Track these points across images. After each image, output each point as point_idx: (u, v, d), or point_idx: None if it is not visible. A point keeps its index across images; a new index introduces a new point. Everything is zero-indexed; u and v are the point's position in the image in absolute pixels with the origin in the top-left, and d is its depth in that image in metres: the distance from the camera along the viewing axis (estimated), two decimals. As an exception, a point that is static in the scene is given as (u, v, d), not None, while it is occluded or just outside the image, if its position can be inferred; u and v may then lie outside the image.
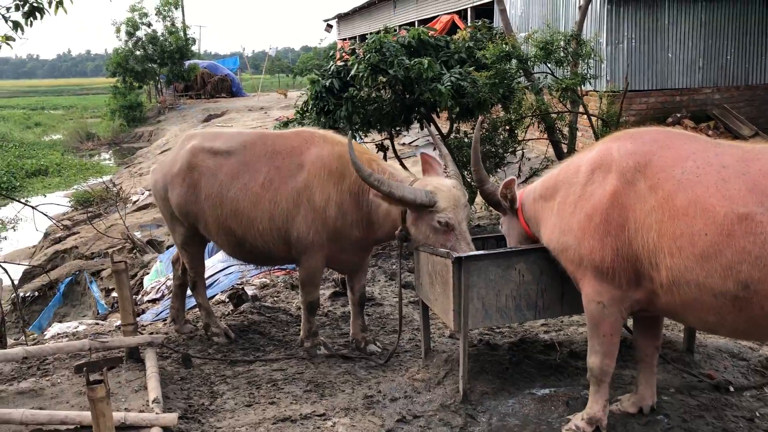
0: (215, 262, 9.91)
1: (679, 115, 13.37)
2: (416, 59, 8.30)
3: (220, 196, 5.31)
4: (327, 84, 8.84)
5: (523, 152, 9.51)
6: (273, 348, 5.81)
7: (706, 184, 3.47)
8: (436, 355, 5.19)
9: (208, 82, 45.85)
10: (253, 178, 5.24)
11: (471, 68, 8.77)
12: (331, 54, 10.67)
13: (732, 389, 4.58)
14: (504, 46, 8.46)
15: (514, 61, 8.52)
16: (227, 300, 7.07)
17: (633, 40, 13.25)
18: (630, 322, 4.54)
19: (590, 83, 10.07)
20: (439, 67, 8.49)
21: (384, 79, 8.16)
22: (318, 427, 4.32)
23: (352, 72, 8.43)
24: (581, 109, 9.11)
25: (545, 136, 9.77)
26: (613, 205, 3.76)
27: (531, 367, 4.97)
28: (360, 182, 4.96)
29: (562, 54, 8.26)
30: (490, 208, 7.06)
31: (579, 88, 8.67)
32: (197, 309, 6.67)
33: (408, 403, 4.60)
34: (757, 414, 4.33)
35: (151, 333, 6.06)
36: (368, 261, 6.25)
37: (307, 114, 9.57)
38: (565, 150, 10.39)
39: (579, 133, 10.21)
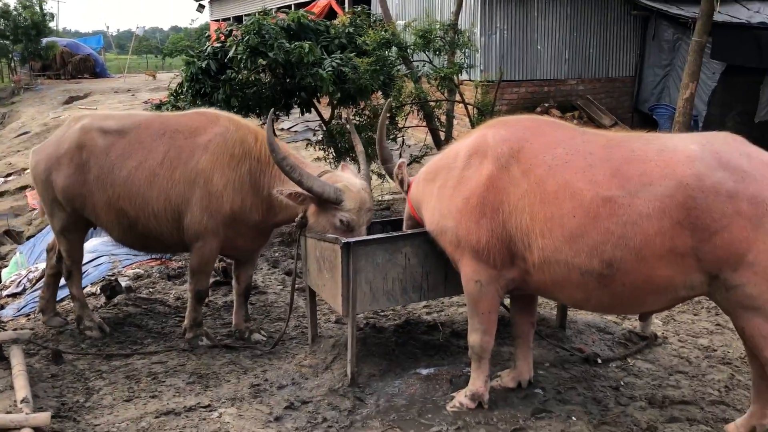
0: (84, 251, 9.38)
1: (547, 104, 14.08)
2: (297, 43, 8.20)
3: (112, 176, 5.05)
4: (203, 65, 8.54)
5: (403, 139, 9.66)
6: (151, 341, 5.59)
7: (574, 169, 3.70)
8: (323, 341, 5.20)
9: (69, 61, 42.89)
10: (150, 157, 5.01)
11: (352, 54, 8.78)
12: (206, 35, 10.34)
13: (600, 361, 4.93)
14: (384, 33, 8.53)
15: (394, 49, 8.60)
16: (99, 292, 6.70)
17: (505, 32, 13.78)
18: (507, 302, 4.75)
19: (466, 73, 10.37)
20: (320, 51, 8.44)
21: (264, 62, 8.00)
22: (203, 419, 4.21)
23: (230, 54, 8.20)
24: (458, 98, 9.36)
25: (424, 123, 9.97)
26: (489, 188, 3.92)
27: (416, 348, 5.09)
28: (260, 166, 4.90)
29: (440, 43, 8.44)
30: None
31: (456, 77, 8.91)
32: (68, 301, 6.32)
33: (296, 389, 4.58)
34: (622, 383, 4.68)
35: (15, 329, 5.65)
36: (260, 251, 6.16)
37: (182, 96, 9.20)
38: (443, 137, 10.68)
39: (455, 121, 10.53)
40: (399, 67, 8.98)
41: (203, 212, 4.96)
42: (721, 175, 3.43)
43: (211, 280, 6.91)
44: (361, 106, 9.37)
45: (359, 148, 5.28)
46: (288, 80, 8.64)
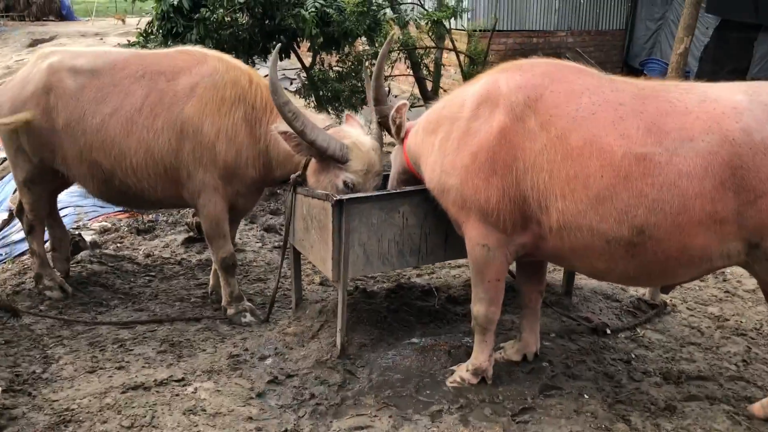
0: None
1: (535, 57, 13.53)
2: (276, -20, 7.56)
3: (83, 124, 4.47)
4: (175, 3, 7.84)
5: (389, 89, 9.10)
6: (119, 302, 5.11)
7: (603, 122, 3.24)
8: (309, 306, 4.76)
9: (33, 2, 41.04)
10: (126, 102, 4.43)
11: (337, -6, 8.14)
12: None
13: (609, 332, 4.56)
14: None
15: (380, -11, 7.99)
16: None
17: (494, -21, 13.13)
18: (512, 267, 4.34)
19: (454, 20, 9.78)
20: (301, -10, 7.80)
21: (241, 0, 7.34)
22: (176, 395, 3.76)
23: (206, -10, 7.52)
24: (448, 45, 8.81)
25: (410, 72, 9.42)
26: (500, 142, 3.45)
27: (410, 315, 4.68)
28: (256, 113, 4.38)
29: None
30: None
31: (447, 23, 8.34)
32: (27, 257, 5.79)
33: (279, 360, 4.15)
34: (633, 355, 4.33)
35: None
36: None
37: (152, 37, 8.51)
38: (430, 87, 10.15)
39: (443, 71, 9.96)
40: (385, 10, 8.36)
41: (197, 166, 4.41)
42: (773, 130, 3.01)
43: (184, 236, 6.43)
44: (345, 52, 8.78)
45: (371, 99, 4.67)
46: (267, 21, 8.00)
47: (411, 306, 4.79)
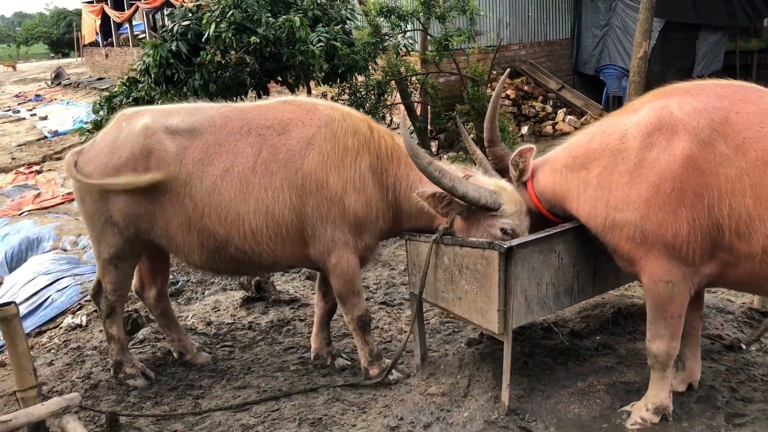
0: (34, 274, 8.01)
1: (495, 72, 13.65)
2: (284, 16, 7.22)
3: (190, 189, 4.04)
4: (174, 48, 7.35)
5: (391, 118, 8.88)
6: (211, 381, 4.62)
7: None
8: (440, 361, 4.45)
9: None
10: (237, 162, 4.02)
11: (337, 27, 7.88)
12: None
13: (744, 347, 4.51)
14: (382, 0, 7.70)
15: (392, 18, 7.78)
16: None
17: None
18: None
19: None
20: (303, 26, 7.49)
21: (257, 41, 6.94)
22: (362, 483, 3.39)
23: (210, 32, 7.07)
24: (453, 68, 8.71)
25: (418, 100, 9.26)
26: (688, 171, 3.31)
27: (545, 357, 4.46)
28: (381, 163, 4.07)
29: (442, 8, 7.70)
30: None
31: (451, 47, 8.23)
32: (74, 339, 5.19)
33: (446, 426, 3.82)
34: (779, 368, 4.29)
35: (58, 392, 4.50)
36: None
37: (142, 85, 7.94)
38: (419, 111, 10.00)
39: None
40: (395, 38, 8.16)
41: (325, 223, 4.04)
42: None
43: (241, 294, 5.97)
44: (345, 85, 8.51)
45: (478, 153, 4.39)
46: (270, 59, 7.63)
47: (542, 346, 4.58)
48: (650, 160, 3.43)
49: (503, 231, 3.84)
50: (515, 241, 3.63)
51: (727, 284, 3.65)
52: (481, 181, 3.96)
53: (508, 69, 5.31)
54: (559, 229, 3.82)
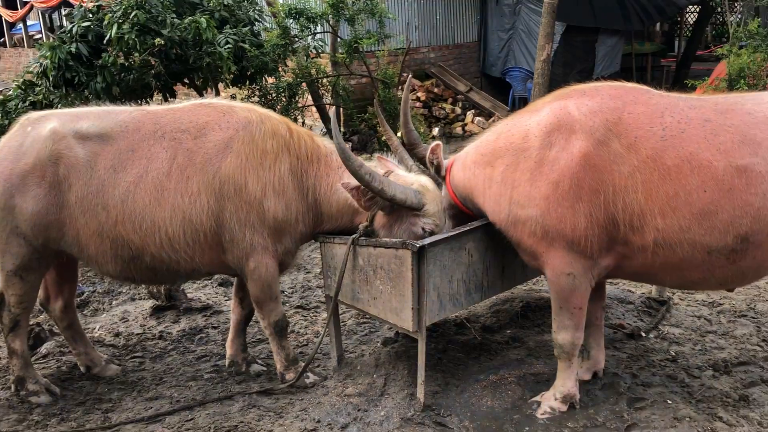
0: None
1: (405, 74, 13.82)
2: (190, 18, 7.07)
3: (103, 196, 3.89)
4: (73, 50, 7.06)
5: (303, 120, 8.84)
6: (122, 394, 4.46)
7: (696, 138, 3.37)
8: (356, 362, 4.47)
9: None
10: (151, 168, 3.89)
11: (245, 28, 7.78)
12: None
13: (644, 335, 4.76)
14: (291, 2, 7.65)
15: (300, 19, 7.75)
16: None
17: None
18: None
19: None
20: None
21: (161, 42, 6.76)
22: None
23: (112, 33, 6.84)
24: (364, 70, 8.76)
25: (330, 102, 9.25)
26: (585, 168, 3.48)
27: (458, 352, 4.56)
28: (301, 164, 4.04)
29: (351, 10, 7.73)
30: None
31: (362, 48, 8.28)
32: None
33: (363, 426, 3.84)
34: (673, 353, 4.54)
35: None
36: None
37: (39, 88, 7.59)
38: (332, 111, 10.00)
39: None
40: (305, 40, 8.13)
41: (244, 228, 3.96)
42: (844, 129, 3.31)
43: (151, 304, 5.80)
44: (254, 87, 8.41)
45: (394, 139, 4.46)
46: (176, 61, 7.46)
47: (455, 342, 4.67)
48: (550, 158, 3.57)
49: (424, 230, 3.91)
50: (427, 240, 3.69)
51: (625, 275, 3.85)
52: (404, 180, 4.01)
53: (411, 74, 5.43)
54: (468, 227, 3.92)
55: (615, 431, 3.69)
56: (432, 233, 3.90)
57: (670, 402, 3.93)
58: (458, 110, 13.83)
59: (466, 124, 13.50)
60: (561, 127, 3.58)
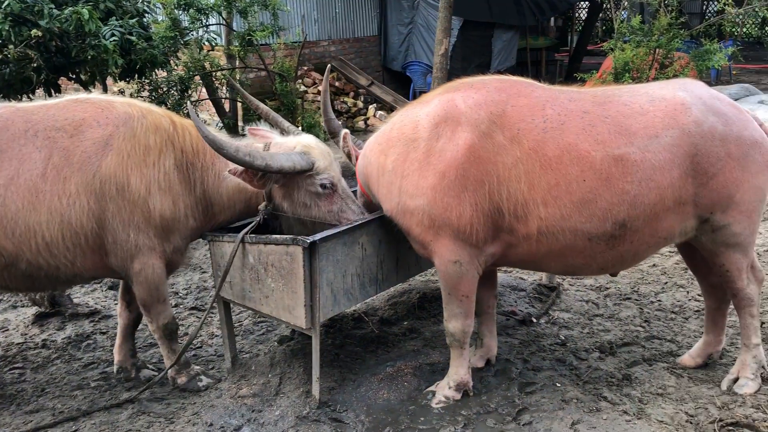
0: None
1: (305, 67, 13.69)
2: (71, 8, 6.68)
3: None
4: (-60, 41, 6.54)
5: (197, 114, 8.57)
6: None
7: (575, 130, 3.49)
8: (251, 362, 4.36)
9: None
10: (23, 169, 3.62)
11: (133, 20, 7.44)
12: None
13: (535, 321, 4.90)
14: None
15: (190, 11, 7.49)
16: None
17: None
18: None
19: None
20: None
21: (38, 34, 6.36)
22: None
23: (-16, 24, 6.37)
24: (260, 63, 8.59)
25: (226, 96, 9.02)
26: (469, 159, 3.54)
27: (356, 347, 4.54)
28: (187, 158, 3.91)
29: (245, 1, 7.54)
30: None
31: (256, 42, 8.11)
32: None
33: (257, 427, 3.75)
34: (562, 337, 4.71)
35: None
36: None
37: None
38: (227, 107, 9.79)
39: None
40: (196, 32, 7.87)
41: (127, 228, 3.76)
42: (713, 119, 3.50)
43: (34, 311, 5.47)
44: (144, 80, 8.08)
45: (262, 107, 4.53)
46: (58, 54, 7.05)
47: (352, 337, 4.65)
48: (437, 149, 3.61)
49: (323, 186, 3.91)
50: (318, 236, 3.64)
51: (512, 263, 3.93)
52: (285, 145, 3.96)
53: (329, 65, 5.38)
54: (361, 221, 3.91)
55: (506, 416, 3.77)
56: (332, 185, 3.92)
57: (558, 385, 4.06)
58: (360, 104, 13.83)
59: (368, 118, 13.52)
60: (448, 119, 3.62)
